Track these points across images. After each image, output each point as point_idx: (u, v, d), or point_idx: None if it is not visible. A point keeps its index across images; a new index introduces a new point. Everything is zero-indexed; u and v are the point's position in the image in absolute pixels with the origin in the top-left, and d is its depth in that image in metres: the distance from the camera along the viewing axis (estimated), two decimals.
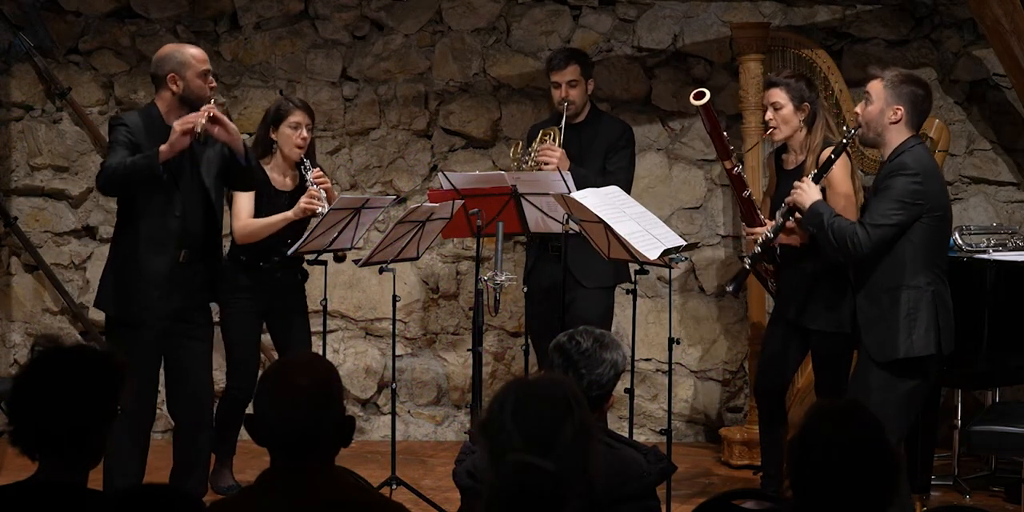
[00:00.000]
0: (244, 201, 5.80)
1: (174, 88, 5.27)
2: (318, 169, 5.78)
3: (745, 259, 5.50)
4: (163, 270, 5.25)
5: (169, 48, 5.37)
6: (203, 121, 5.12)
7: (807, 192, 5.14)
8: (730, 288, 5.54)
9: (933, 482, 5.95)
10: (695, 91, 5.53)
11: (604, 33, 7.04)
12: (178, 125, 5.13)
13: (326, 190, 5.73)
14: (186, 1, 7.05)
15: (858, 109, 5.09)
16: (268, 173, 5.81)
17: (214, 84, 5.36)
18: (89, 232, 7.14)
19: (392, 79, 7.09)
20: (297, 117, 5.79)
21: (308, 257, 5.74)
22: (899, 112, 4.97)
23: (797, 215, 5.25)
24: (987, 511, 5.49)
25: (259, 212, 5.80)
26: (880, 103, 4.99)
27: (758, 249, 5.42)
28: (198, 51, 5.34)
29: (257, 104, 7.02)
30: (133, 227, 5.28)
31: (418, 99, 7.10)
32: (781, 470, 5.60)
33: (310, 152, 5.89)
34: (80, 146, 7.09)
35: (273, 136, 5.83)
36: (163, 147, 5.11)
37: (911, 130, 5.01)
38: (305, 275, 6.01)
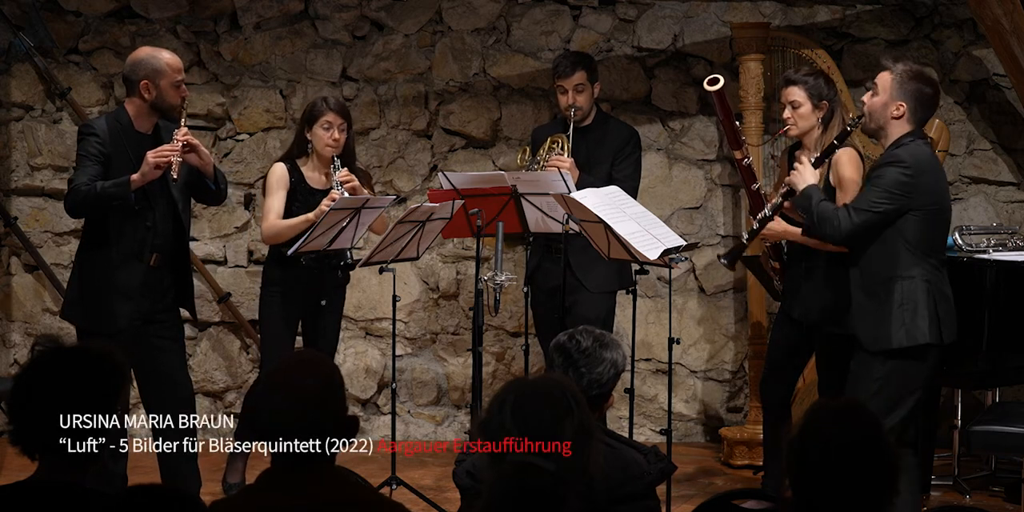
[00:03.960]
0: (273, 201, 5.82)
1: (146, 95, 5.24)
2: (345, 170, 5.77)
3: (743, 235, 5.49)
4: (135, 280, 5.28)
5: (144, 52, 5.34)
6: (177, 159, 5.14)
7: (803, 175, 5.13)
8: (724, 260, 5.51)
9: (933, 482, 5.95)
10: (709, 77, 5.51)
11: (604, 33, 7.04)
12: (152, 156, 5.12)
13: (353, 189, 5.73)
14: (186, 1, 7.04)
15: (864, 98, 5.07)
16: (306, 172, 5.87)
17: (186, 93, 5.37)
18: None
19: (392, 79, 7.09)
20: (329, 117, 5.80)
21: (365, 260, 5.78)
22: (901, 108, 4.95)
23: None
24: (987, 511, 5.49)
25: (294, 211, 5.81)
26: (885, 96, 4.97)
27: (756, 226, 5.40)
28: (173, 59, 5.32)
29: (257, 104, 7.02)
30: (103, 238, 5.28)
31: (418, 99, 7.10)
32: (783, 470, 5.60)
33: (349, 152, 5.90)
34: None
35: (308, 136, 5.85)
36: (135, 176, 5.11)
37: (913, 126, 4.99)
38: (347, 276, 6.00)
